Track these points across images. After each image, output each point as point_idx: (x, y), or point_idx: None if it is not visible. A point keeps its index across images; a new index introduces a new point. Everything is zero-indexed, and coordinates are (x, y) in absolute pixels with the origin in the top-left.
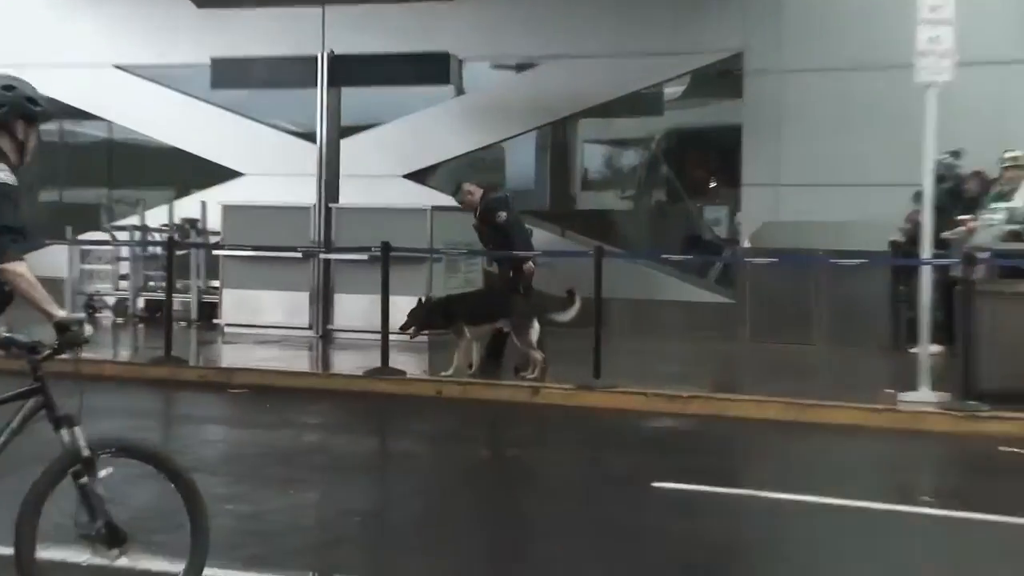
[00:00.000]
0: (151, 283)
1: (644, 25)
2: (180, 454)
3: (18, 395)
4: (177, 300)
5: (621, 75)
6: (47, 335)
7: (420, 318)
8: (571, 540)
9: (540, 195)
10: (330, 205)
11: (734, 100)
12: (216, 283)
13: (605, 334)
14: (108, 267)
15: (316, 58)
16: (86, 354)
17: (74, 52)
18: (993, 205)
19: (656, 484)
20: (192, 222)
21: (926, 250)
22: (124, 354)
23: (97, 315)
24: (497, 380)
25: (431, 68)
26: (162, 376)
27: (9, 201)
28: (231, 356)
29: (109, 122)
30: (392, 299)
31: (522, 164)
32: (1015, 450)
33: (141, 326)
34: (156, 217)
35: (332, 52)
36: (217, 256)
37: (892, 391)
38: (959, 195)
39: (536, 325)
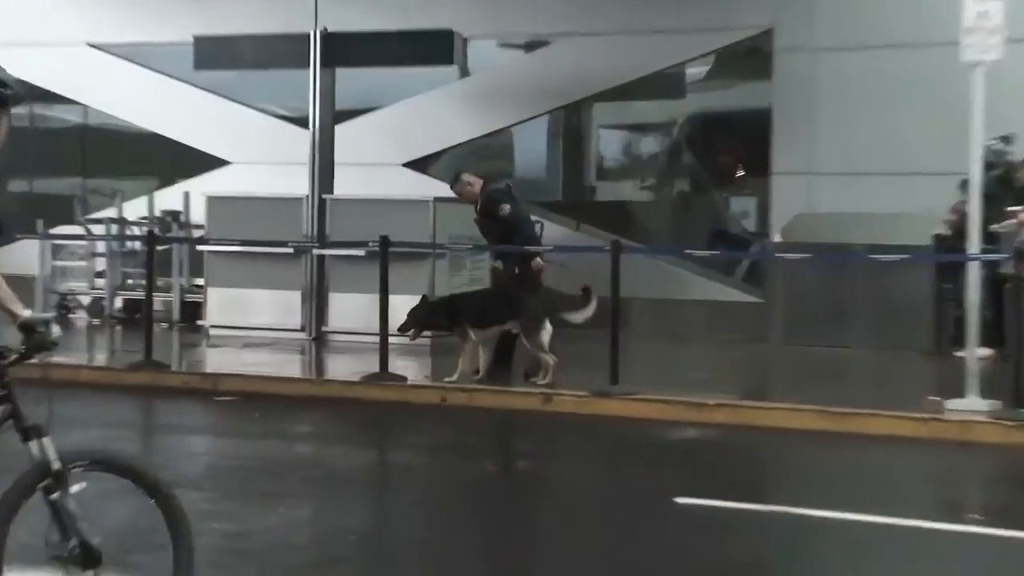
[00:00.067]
0: (129, 281)
1: None
2: (161, 467)
3: None
4: (158, 299)
5: (639, 54)
6: (13, 338)
7: (421, 318)
8: (586, 562)
9: (552, 185)
10: (324, 196)
11: (763, 81)
12: (200, 281)
13: (623, 336)
14: (83, 264)
15: (308, 36)
16: (59, 358)
17: (44, 29)
18: None
19: (679, 500)
20: (174, 215)
21: (974, 244)
22: (100, 358)
23: (71, 316)
24: (506, 386)
25: (433, 47)
26: (142, 382)
27: None
28: (217, 360)
29: (83, 106)
30: (391, 299)
31: (532, 152)
32: None
33: (119, 328)
34: (135, 209)
35: (326, 29)
36: (201, 252)
37: (937, 398)
38: (1010, 183)
39: (548, 326)
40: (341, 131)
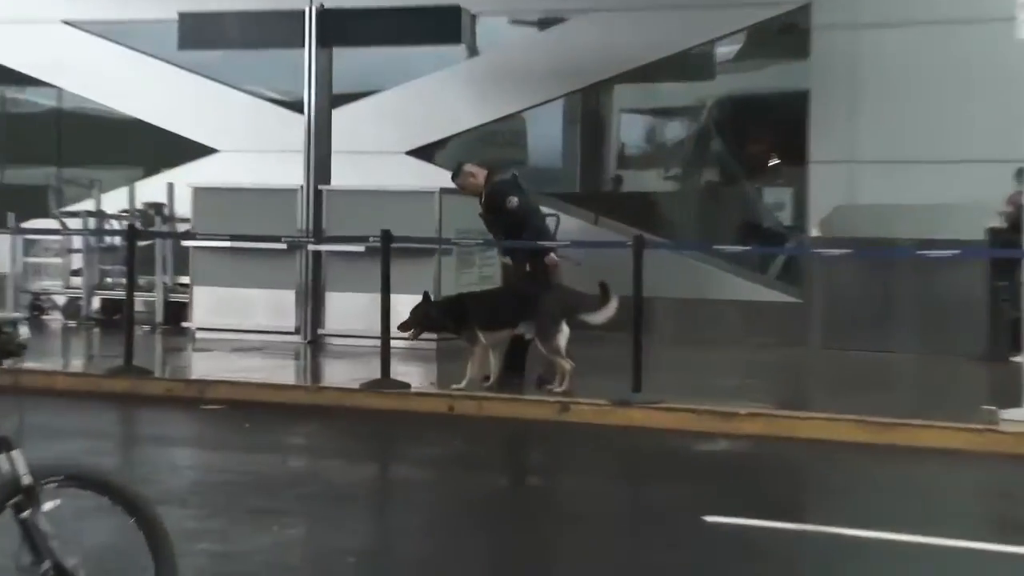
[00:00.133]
0: (108, 280)
1: None
2: (143, 482)
3: None
4: (139, 300)
5: (664, 31)
6: None
7: (421, 317)
8: None
9: (568, 176)
10: (320, 187)
11: (799, 61)
12: (185, 280)
13: (646, 340)
14: (57, 261)
15: (303, 13)
16: (31, 364)
17: (14, 4)
18: None
19: (708, 518)
20: (157, 207)
21: None
22: (76, 364)
23: (44, 317)
24: (518, 395)
25: (439, 24)
26: (122, 390)
27: None
28: (204, 366)
29: (57, 88)
30: (394, 299)
31: (546, 139)
32: None
33: (97, 331)
34: (114, 201)
35: (322, 5)
36: (186, 248)
37: (991, 408)
38: None
39: (565, 329)
40: (339, 116)
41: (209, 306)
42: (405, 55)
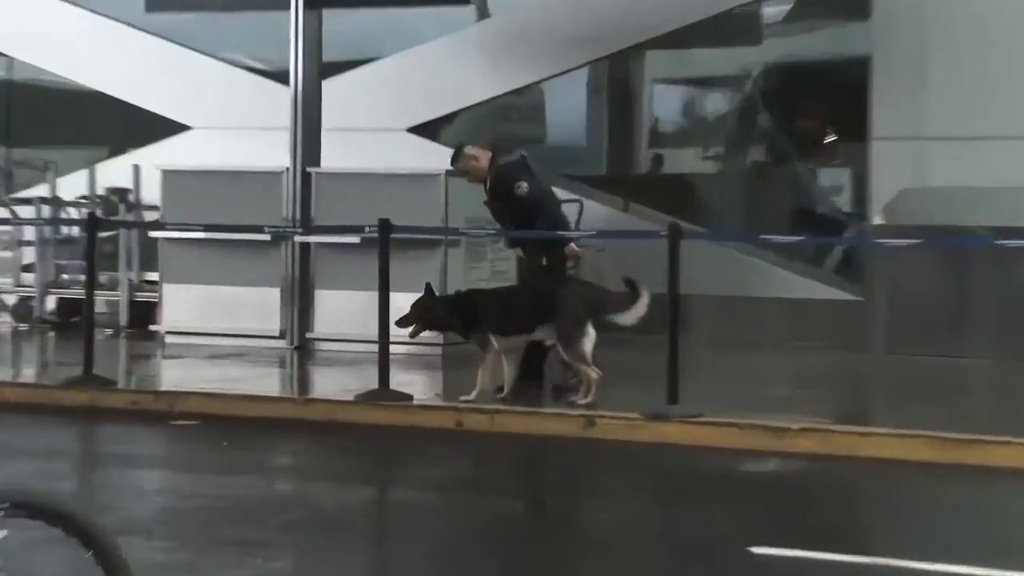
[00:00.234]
0: (65, 276)
1: None
2: (103, 510)
3: None
4: (100, 299)
5: None
6: None
7: (426, 311)
8: None
9: (593, 156)
10: (309, 169)
11: (859, 22)
12: (154, 276)
13: (683, 343)
14: (7, 254)
15: None
16: None
17: None
18: None
19: (755, 549)
20: (121, 193)
21: None
22: (28, 373)
23: None
24: (537, 407)
25: None
26: (80, 403)
27: None
28: (175, 375)
29: (7, 57)
30: (393, 297)
31: (568, 113)
32: None
33: (52, 335)
34: (72, 186)
35: None
36: (155, 240)
37: None
38: None
39: (590, 332)
40: (330, 88)
41: (181, 306)
42: (406, 17)
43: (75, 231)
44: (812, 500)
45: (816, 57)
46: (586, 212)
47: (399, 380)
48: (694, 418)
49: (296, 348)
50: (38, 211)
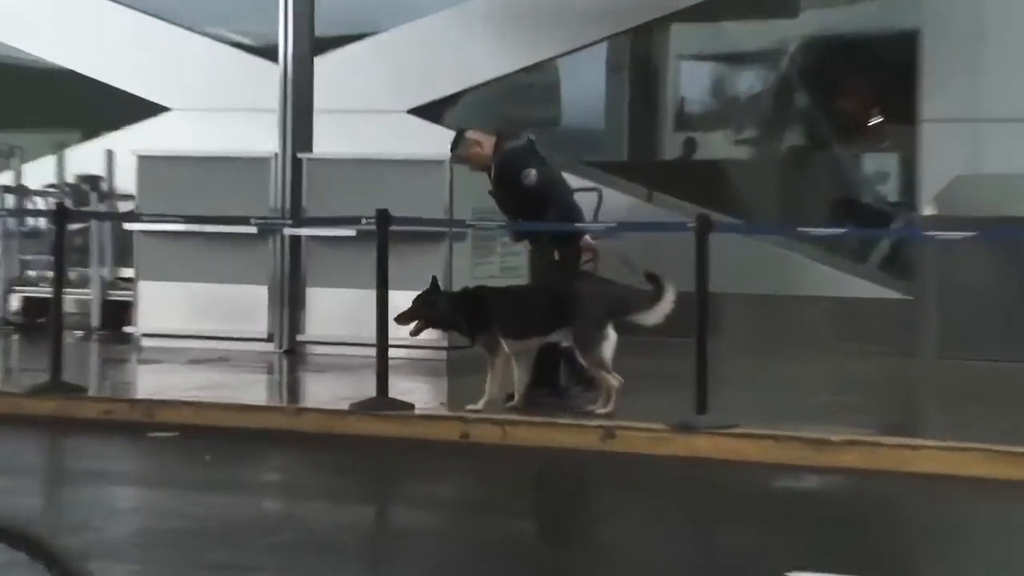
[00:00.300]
0: (31, 273)
1: None
2: (73, 530)
3: None
4: (70, 298)
5: None
6: None
7: (428, 307)
8: None
9: (613, 139)
10: (299, 155)
11: None
12: (129, 273)
13: (713, 347)
14: None
15: None
16: None
17: None
18: None
19: (793, 575)
20: (93, 181)
21: None
22: None
23: None
24: (551, 417)
25: None
26: (48, 412)
27: None
28: (152, 382)
29: None
30: (393, 296)
31: (586, 93)
32: None
33: (16, 337)
34: (39, 174)
35: None
36: (130, 233)
37: None
38: None
39: (611, 334)
40: (323, 65)
41: (159, 306)
42: None
43: (42, 223)
44: (856, 520)
45: (860, 30)
46: (605, 202)
47: (399, 388)
48: (725, 429)
49: (286, 352)
50: (1, 201)
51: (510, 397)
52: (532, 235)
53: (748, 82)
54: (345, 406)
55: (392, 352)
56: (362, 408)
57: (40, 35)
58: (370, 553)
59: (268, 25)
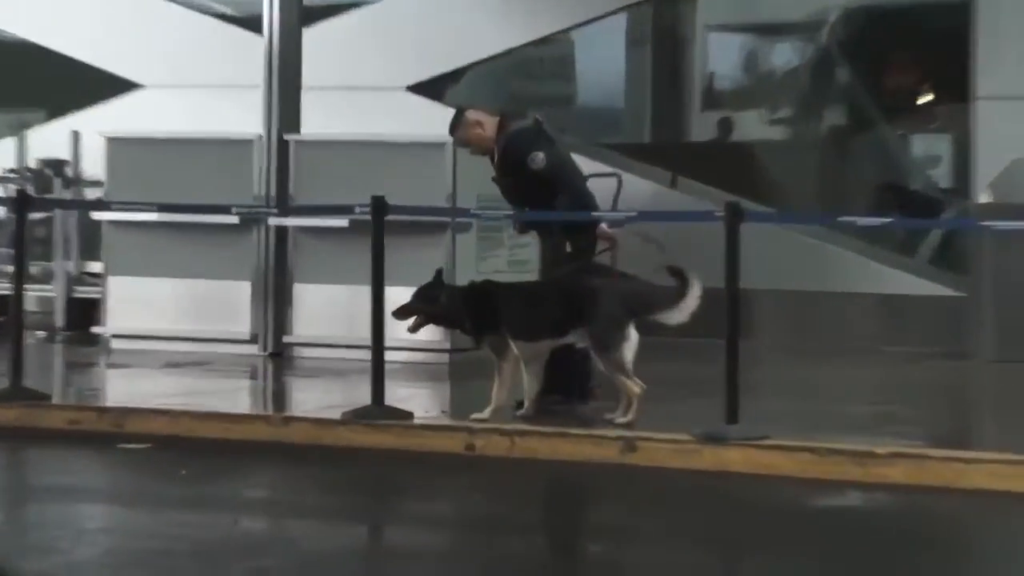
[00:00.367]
0: None
1: None
2: (36, 552)
3: None
4: (32, 295)
5: None
6: None
7: (429, 300)
8: None
9: (634, 119)
10: (286, 136)
11: None
12: (97, 267)
13: (745, 349)
14: None
15: None
16: None
17: None
18: None
19: None
20: (57, 165)
21: None
22: None
23: None
24: (565, 427)
25: None
26: (7, 421)
27: None
28: (122, 388)
29: None
30: (389, 292)
31: (604, 68)
32: None
33: None
34: None
35: None
36: (98, 223)
37: None
38: None
39: (632, 336)
40: (312, 37)
41: (130, 305)
42: None
43: (1, 212)
44: (901, 542)
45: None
46: (625, 188)
47: (397, 394)
48: (757, 441)
49: (271, 355)
50: None
51: (519, 405)
52: (540, 225)
53: (784, 55)
54: (337, 415)
55: (389, 355)
56: (356, 417)
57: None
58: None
59: None
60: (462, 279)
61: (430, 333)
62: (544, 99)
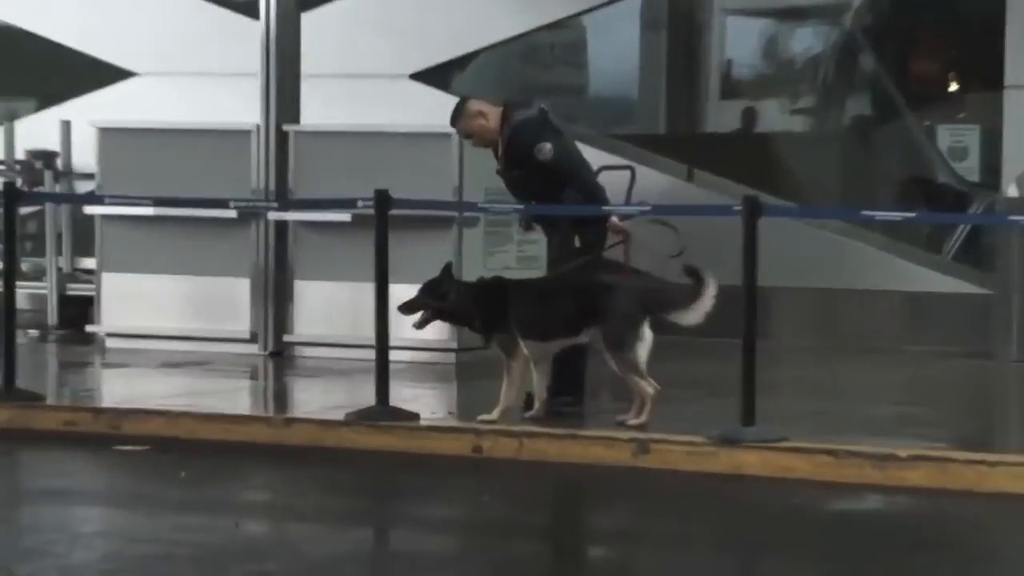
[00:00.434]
0: None
1: None
2: (31, 557)
3: None
4: (23, 293)
5: None
6: None
7: (437, 296)
8: None
9: (649, 109)
10: (285, 127)
11: None
12: (90, 263)
13: (762, 348)
14: None
15: None
16: None
17: None
18: None
19: None
20: (47, 157)
21: None
22: None
23: None
24: (576, 429)
25: None
26: (0, 423)
27: None
28: (118, 389)
29: None
30: (393, 289)
31: (617, 55)
32: None
33: None
34: None
35: None
36: (91, 217)
37: None
38: None
39: (646, 335)
40: (311, 23)
41: (125, 302)
42: None
43: None
44: (923, 547)
45: None
46: (639, 181)
47: (402, 395)
48: (775, 443)
49: (271, 354)
50: None
51: (529, 406)
52: (547, 219)
53: (805, 41)
54: (340, 416)
55: (393, 354)
56: (359, 418)
57: None
58: None
59: None
60: (469, 276)
61: (436, 332)
62: (554, 87)
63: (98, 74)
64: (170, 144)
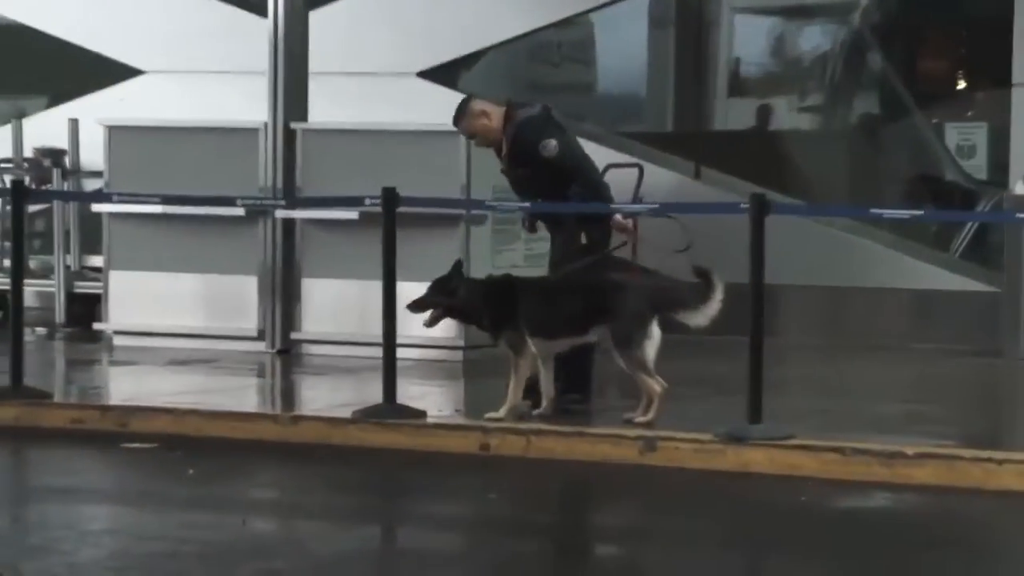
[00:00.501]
0: None
1: None
2: (38, 553)
3: None
4: (31, 290)
5: None
6: None
7: (446, 293)
8: None
9: (656, 107)
10: (293, 125)
11: None
12: (98, 261)
13: (770, 346)
14: None
15: None
16: None
17: None
18: None
19: None
20: (55, 155)
21: None
22: None
23: None
24: (583, 426)
25: None
26: (8, 421)
27: None
28: (126, 387)
29: None
30: (401, 287)
31: (625, 53)
32: None
33: None
34: None
35: None
36: (99, 215)
37: None
38: None
39: (654, 333)
40: (319, 21)
41: (132, 300)
42: None
43: None
44: (930, 545)
45: None
46: (646, 179)
47: (409, 392)
48: (782, 441)
49: (279, 352)
50: None
51: (536, 404)
52: (551, 217)
53: (814, 40)
54: (347, 414)
55: (401, 352)
56: (367, 416)
57: None
58: None
59: None
60: (476, 274)
61: (444, 329)
62: (562, 85)
63: (106, 72)
64: (178, 142)
